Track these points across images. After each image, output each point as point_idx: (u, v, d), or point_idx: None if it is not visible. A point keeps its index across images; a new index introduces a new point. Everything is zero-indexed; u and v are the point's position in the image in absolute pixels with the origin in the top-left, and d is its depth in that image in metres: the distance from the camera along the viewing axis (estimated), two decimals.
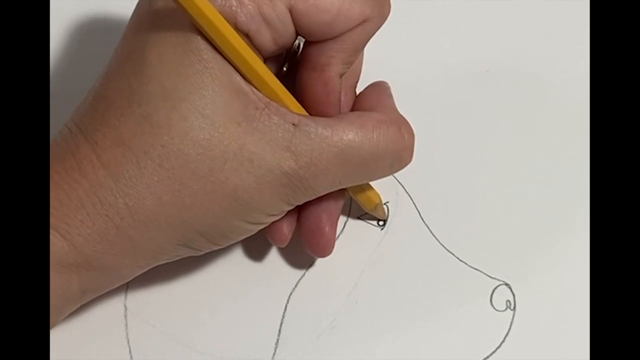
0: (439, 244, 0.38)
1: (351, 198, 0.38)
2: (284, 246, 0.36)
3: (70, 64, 0.41)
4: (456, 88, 0.41)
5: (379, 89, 0.36)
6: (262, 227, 0.34)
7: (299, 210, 0.35)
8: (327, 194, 0.34)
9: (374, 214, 0.38)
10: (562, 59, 0.42)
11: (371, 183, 0.37)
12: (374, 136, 0.33)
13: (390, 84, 0.37)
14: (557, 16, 0.43)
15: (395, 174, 0.39)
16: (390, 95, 0.36)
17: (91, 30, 0.42)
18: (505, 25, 0.43)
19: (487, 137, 0.40)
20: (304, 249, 0.36)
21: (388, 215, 0.39)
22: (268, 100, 0.31)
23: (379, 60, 0.40)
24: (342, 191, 0.35)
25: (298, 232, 0.36)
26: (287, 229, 0.35)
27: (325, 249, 0.36)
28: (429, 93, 0.41)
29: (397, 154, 0.34)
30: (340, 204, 0.36)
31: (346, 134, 0.32)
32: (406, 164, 0.35)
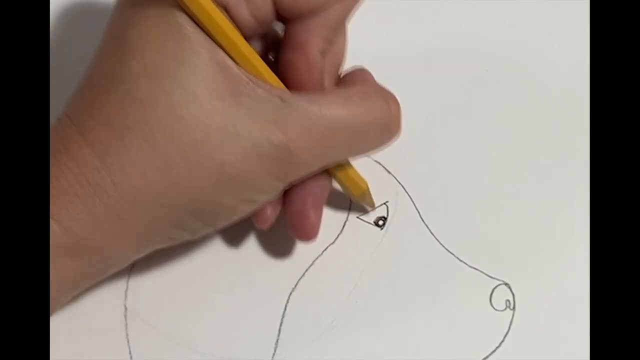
0: (439, 244, 0.38)
1: (350, 199, 0.38)
2: (266, 229, 0.35)
3: (71, 64, 0.41)
4: (456, 88, 0.41)
5: (359, 69, 0.36)
6: (254, 206, 0.33)
7: (285, 193, 0.35)
8: (313, 178, 0.34)
9: (363, 202, 0.38)
10: (562, 59, 0.42)
11: (370, 182, 0.37)
12: (361, 106, 0.33)
13: (390, 84, 0.37)
14: (557, 16, 0.43)
15: (395, 174, 0.39)
16: (371, 74, 0.36)
17: (89, 22, 0.42)
18: (505, 25, 0.43)
19: (487, 137, 0.40)
20: (305, 248, 0.36)
21: (388, 215, 0.39)
22: (252, 76, 0.31)
23: (379, 60, 0.40)
24: (328, 176, 0.35)
25: (282, 216, 0.35)
26: (271, 212, 0.35)
27: (309, 233, 0.35)
28: (429, 92, 0.41)
29: (385, 124, 0.34)
30: (326, 188, 0.36)
31: (333, 106, 0.32)
32: (395, 135, 0.34)
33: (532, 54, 0.42)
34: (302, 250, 0.37)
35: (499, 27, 0.43)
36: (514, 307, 0.37)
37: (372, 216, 0.39)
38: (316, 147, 0.32)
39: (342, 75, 0.36)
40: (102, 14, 0.41)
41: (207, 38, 0.30)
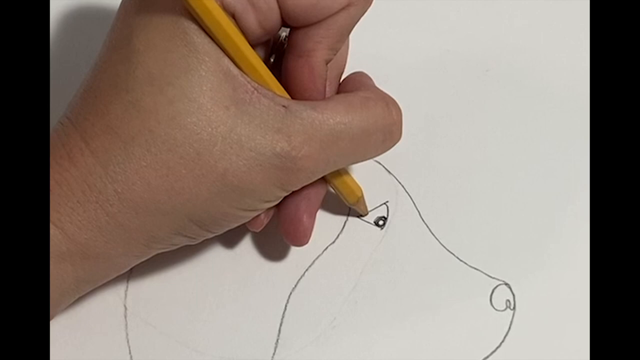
0: (439, 244, 0.38)
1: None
2: (258, 231, 0.35)
3: (69, 59, 0.41)
4: (456, 88, 0.41)
5: (358, 74, 0.36)
6: (255, 213, 0.33)
7: None
8: (309, 183, 0.34)
9: (356, 209, 0.38)
10: (562, 59, 0.42)
11: (370, 182, 0.37)
12: (363, 113, 0.33)
13: (390, 84, 0.37)
14: (557, 16, 0.43)
15: (395, 174, 0.39)
16: (371, 79, 0.36)
17: (90, 24, 0.42)
18: (505, 26, 0.43)
19: (487, 137, 0.40)
20: (305, 248, 0.36)
21: (388, 215, 0.39)
22: (256, 83, 0.31)
23: (379, 61, 0.40)
24: (323, 181, 0.35)
25: (275, 220, 0.35)
26: (264, 215, 0.35)
27: (301, 238, 0.35)
28: (429, 93, 0.41)
29: (387, 129, 0.34)
30: (320, 194, 0.36)
31: (335, 113, 0.32)
32: (397, 140, 0.35)
33: (532, 54, 0.42)
34: (303, 250, 0.37)
35: (499, 28, 0.43)
36: (514, 307, 0.37)
37: (372, 216, 0.39)
38: (319, 155, 0.32)
39: (341, 80, 0.36)
40: (103, 19, 0.41)
41: (213, 46, 0.30)
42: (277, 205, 0.35)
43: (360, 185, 0.37)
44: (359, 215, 0.39)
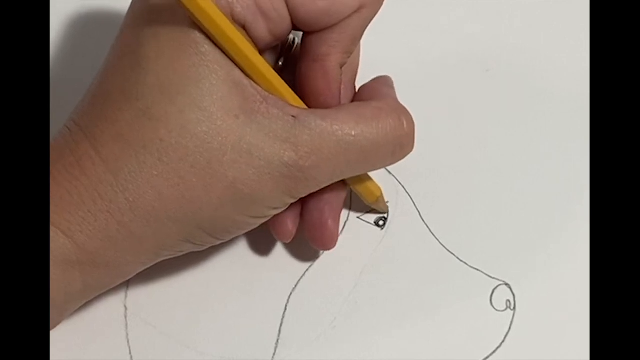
0: (439, 244, 0.38)
1: (351, 197, 0.38)
2: (288, 242, 0.36)
3: (70, 63, 0.41)
4: (456, 88, 0.41)
5: (380, 81, 0.37)
6: (264, 220, 0.34)
7: (302, 204, 0.35)
8: (329, 187, 0.34)
9: (376, 207, 0.38)
10: (562, 58, 0.42)
11: (374, 178, 0.37)
12: (373, 125, 0.33)
13: None
14: (557, 16, 0.43)
15: (395, 174, 0.39)
16: (391, 86, 0.36)
17: (91, 29, 0.42)
18: (505, 26, 0.43)
19: (487, 137, 0.40)
20: (305, 248, 0.36)
21: (388, 215, 0.39)
22: (266, 93, 0.31)
23: (379, 61, 0.40)
24: (343, 184, 0.35)
25: (301, 227, 0.36)
26: (291, 224, 0.35)
27: (328, 243, 0.35)
28: (429, 93, 0.41)
29: (398, 141, 0.34)
30: (342, 197, 0.36)
31: (345, 124, 0.32)
32: (408, 152, 0.34)
33: (532, 54, 0.42)
34: (303, 250, 0.37)
35: (499, 28, 0.43)
36: (514, 308, 0.37)
37: (372, 216, 0.39)
38: (327, 165, 0.32)
39: (362, 85, 0.36)
40: (103, 22, 0.41)
41: (223, 55, 0.30)
42: (301, 213, 0.35)
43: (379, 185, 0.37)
44: (359, 216, 0.39)
